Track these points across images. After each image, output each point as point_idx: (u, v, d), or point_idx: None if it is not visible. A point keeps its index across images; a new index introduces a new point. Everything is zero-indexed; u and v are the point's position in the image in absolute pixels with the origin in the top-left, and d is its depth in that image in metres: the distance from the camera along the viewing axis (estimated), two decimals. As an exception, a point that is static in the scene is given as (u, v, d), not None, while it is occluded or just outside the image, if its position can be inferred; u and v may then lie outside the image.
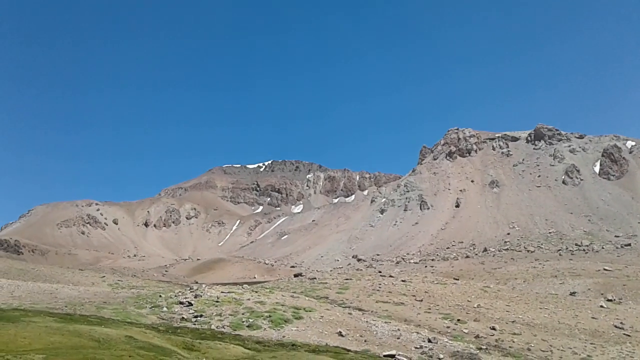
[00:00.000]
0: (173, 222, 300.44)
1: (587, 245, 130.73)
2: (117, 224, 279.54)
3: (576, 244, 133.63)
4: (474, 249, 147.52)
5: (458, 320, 41.37)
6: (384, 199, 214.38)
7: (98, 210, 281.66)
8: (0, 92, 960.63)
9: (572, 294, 66.23)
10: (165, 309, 37.67)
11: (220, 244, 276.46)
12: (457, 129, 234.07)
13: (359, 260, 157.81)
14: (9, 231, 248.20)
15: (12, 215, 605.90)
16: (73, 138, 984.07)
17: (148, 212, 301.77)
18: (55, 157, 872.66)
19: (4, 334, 16.81)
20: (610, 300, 55.51)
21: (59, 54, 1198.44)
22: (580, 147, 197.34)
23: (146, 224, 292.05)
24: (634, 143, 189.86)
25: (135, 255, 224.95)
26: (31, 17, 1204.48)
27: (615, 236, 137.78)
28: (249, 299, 40.40)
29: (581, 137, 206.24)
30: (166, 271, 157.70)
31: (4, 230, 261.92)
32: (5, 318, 21.89)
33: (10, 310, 28.90)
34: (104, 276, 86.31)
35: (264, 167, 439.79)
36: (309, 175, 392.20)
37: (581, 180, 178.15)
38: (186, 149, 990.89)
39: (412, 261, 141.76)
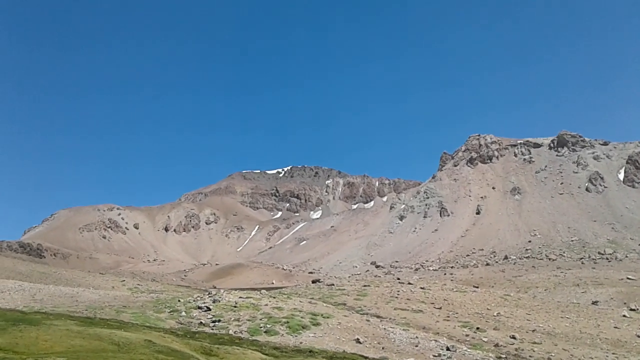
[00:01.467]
0: (193, 227, 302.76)
1: (610, 254, 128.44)
2: (137, 228, 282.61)
3: (599, 253, 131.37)
4: (494, 256, 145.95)
5: (477, 328, 40.94)
6: (403, 205, 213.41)
7: (119, 214, 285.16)
8: (25, 100, 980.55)
9: (595, 303, 65.11)
10: (183, 313, 37.91)
11: (239, 249, 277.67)
12: (479, 135, 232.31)
13: (377, 266, 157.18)
14: (32, 235, 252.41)
15: (35, 219, 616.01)
16: (96, 144, 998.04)
17: (168, 216, 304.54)
18: (78, 162, 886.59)
19: (25, 337, 17.07)
20: (634, 310, 54.47)
21: (78, 58, 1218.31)
22: (604, 153, 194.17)
23: (166, 229, 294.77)
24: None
25: (155, 260, 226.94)
26: (51, 24, 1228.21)
27: (639, 245, 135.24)
28: (266, 305, 40.46)
29: (605, 143, 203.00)
30: (185, 276, 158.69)
31: (27, 234, 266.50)
32: (27, 321, 22.23)
33: (32, 313, 29.34)
34: (123, 280, 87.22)
35: (283, 172, 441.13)
36: (328, 181, 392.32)
37: (605, 187, 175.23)
38: (206, 155, 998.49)
39: (431, 268, 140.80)
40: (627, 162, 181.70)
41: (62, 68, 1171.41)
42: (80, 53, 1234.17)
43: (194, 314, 37.72)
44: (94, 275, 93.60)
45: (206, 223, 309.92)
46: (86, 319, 28.72)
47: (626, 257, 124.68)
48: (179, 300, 43.89)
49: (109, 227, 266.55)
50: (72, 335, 18.54)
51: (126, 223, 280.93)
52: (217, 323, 34.87)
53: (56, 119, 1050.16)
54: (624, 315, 48.06)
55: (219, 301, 41.18)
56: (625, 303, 64.32)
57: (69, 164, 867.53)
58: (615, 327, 43.24)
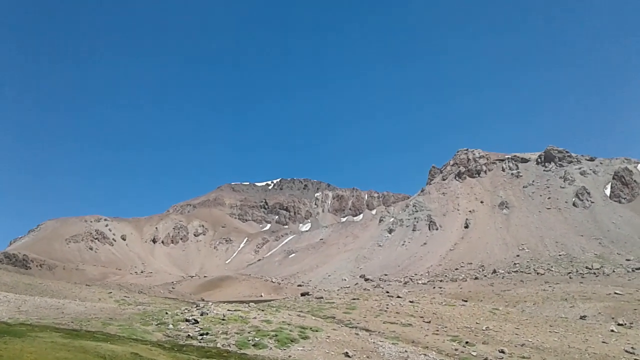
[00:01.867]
0: (181, 239, 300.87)
1: (597, 269, 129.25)
2: (125, 239, 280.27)
3: (587, 267, 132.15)
4: (483, 270, 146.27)
5: (466, 342, 40.84)
6: (392, 219, 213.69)
7: (107, 225, 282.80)
8: (12, 110, 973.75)
9: (583, 317, 65.29)
10: (171, 326, 37.50)
11: (227, 262, 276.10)
12: (467, 150, 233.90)
13: (366, 280, 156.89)
14: (17, 245, 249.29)
15: (21, 229, 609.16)
16: (83, 155, 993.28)
17: (156, 228, 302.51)
18: (65, 173, 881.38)
19: (10, 349, 16.80)
20: (621, 325, 54.63)
21: (70, 70, 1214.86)
22: (590, 169, 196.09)
23: (154, 240, 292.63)
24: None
25: (142, 272, 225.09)
26: (51, 34, 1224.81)
27: (627, 260, 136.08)
28: (255, 318, 40.15)
29: (592, 159, 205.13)
30: (173, 288, 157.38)
31: (13, 244, 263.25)
32: (12, 333, 21.88)
33: (17, 325, 28.89)
34: (110, 292, 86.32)
35: (272, 185, 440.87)
36: (317, 194, 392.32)
37: (592, 202, 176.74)
38: (195, 166, 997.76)
39: (420, 282, 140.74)
40: (613, 178, 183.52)
41: (51, 79, 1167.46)
42: (72, 63, 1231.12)
43: (182, 327, 37.31)
44: (81, 286, 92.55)
45: (194, 235, 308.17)
46: (72, 331, 28.32)
47: (613, 272, 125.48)
48: (166, 313, 43.43)
49: (96, 239, 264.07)
50: (57, 348, 18.28)
51: (113, 234, 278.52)
52: (204, 336, 34.51)
53: (44, 129, 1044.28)
54: (612, 330, 48.17)
55: (207, 314, 40.80)
56: (613, 318, 64.56)
57: (56, 174, 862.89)
58: (603, 342, 43.30)
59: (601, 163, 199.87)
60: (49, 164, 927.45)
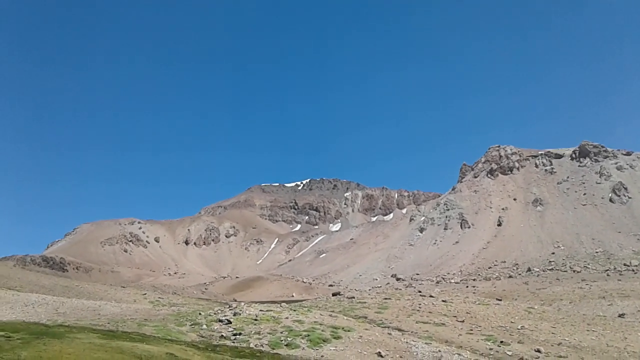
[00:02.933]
0: (212, 240, 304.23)
1: (636, 265, 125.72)
2: (158, 242, 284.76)
3: (625, 264, 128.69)
4: (517, 268, 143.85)
5: (501, 342, 40.22)
6: (423, 218, 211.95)
7: (140, 228, 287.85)
8: (47, 117, 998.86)
9: (621, 315, 63.65)
10: (204, 326, 37.90)
11: (258, 262, 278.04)
12: (499, 147, 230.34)
13: (398, 279, 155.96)
14: (54, 249, 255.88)
15: (58, 233, 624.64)
16: (118, 160, 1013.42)
17: (188, 230, 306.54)
18: (100, 178, 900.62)
19: (49, 350, 17.18)
20: (663, 323, 53.10)
21: (106, 76, 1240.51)
22: (627, 164, 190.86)
23: (186, 242, 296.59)
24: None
25: (175, 273, 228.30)
26: (74, 41, 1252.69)
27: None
28: (287, 318, 40.29)
29: (628, 153, 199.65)
30: (206, 289, 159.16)
31: (50, 248, 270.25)
32: (50, 334, 22.40)
33: (56, 326, 29.58)
34: (145, 293, 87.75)
35: (302, 185, 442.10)
36: (347, 194, 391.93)
37: (629, 198, 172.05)
38: (226, 169, 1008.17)
39: (452, 281, 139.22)
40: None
41: (80, 84, 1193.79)
42: (112, 71, 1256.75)
43: (215, 327, 37.68)
44: (116, 288, 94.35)
45: (226, 236, 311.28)
46: (108, 332, 28.86)
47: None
48: (200, 314, 43.94)
49: (130, 241, 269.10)
50: (94, 349, 18.62)
51: (147, 237, 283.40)
52: (238, 336, 34.77)
53: (78, 135, 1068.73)
54: (653, 329, 46.88)
55: (240, 314, 41.13)
56: (653, 316, 62.81)
57: (91, 179, 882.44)
58: (643, 341, 42.17)
59: (638, 157, 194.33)
60: (84, 170, 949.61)
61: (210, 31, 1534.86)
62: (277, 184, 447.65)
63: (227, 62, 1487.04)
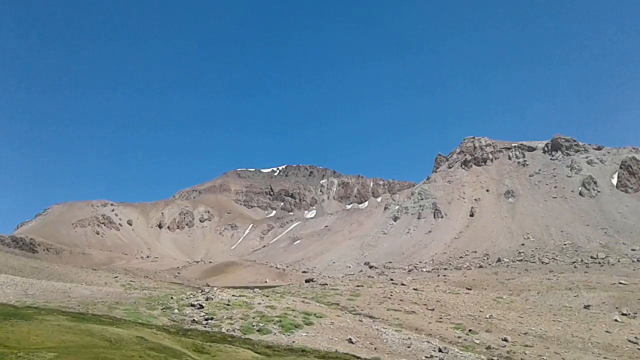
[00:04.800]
0: (186, 225, 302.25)
1: (602, 258, 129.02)
2: (131, 224, 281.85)
3: (592, 257, 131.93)
4: (487, 259, 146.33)
5: (470, 330, 41.02)
6: (397, 206, 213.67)
7: (113, 210, 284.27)
8: (18, 94, 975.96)
9: (587, 307, 65.38)
10: (176, 310, 37.81)
11: (232, 248, 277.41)
12: (473, 138, 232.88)
13: (371, 267, 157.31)
14: (24, 229, 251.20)
15: (28, 214, 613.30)
16: (90, 138, 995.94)
17: (162, 213, 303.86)
18: (72, 157, 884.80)
19: (17, 332, 16.97)
20: (625, 315, 54.72)
21: (76, 54, 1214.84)
22: (597, 158, 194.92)
23: (160, 226, 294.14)
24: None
25: (148, 257, 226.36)
26: (50, 18, 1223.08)
27: (632, 249, 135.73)
28: (259, 303, 40.41)
29: (599, 148, 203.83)
30: (178, 273, 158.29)
31: (20, 228, 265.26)
32: (18, 315, 22.12)
33: (24, 308, 29.20)
34: (116, 276, 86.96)
35: (278, 171, 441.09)
36: (323, 181, 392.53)
37: (598, 192, 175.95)
38: (201, 152, 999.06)
39: (424, 270, 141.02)
40: (620, 167, 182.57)
41: (57, 64, 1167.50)
42: (79, 49, 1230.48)
43: (187, 312, 37.62)
44: (87, 271, 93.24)
45: (200, 221, 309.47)
46: (78, 314, 28.60)
47: (618, 261, 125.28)
48: (171, 298, 43.78)
49: (102, 223, 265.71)
50: (63, 331, 18.45)
51: (120, 219, 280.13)
52: (209, 321, 34.79)
53: (51, 113, 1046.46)
54: (616, 320, 48.24)
55: (212, 299, 41.10)
56: (617, 307, 64.64)
57: (63, 159, 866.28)
58: (606, 332, 43.40)
59: (608, 152, 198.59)
60: (56, 148, 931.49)
61: (191, 10, 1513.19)
62: (253, 170, 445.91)
63: (208, 44, 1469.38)
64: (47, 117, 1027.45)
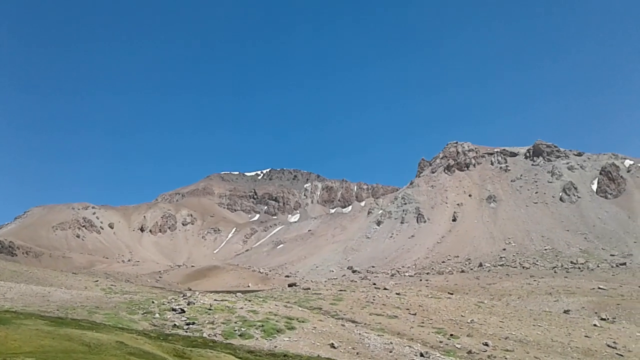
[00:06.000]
0: (169, 228, 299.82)
1: (582, 264, 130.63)
2: (112, 228, 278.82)
3: (572, 262, 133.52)
4: (469, 263, 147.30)
5: (451, 335, 41.25)
6: (380, 211, 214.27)
7: (94, 213, 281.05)
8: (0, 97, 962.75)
9: (566, 311, 66.07)
10: (157, 315, 37.50)
11: (215, 251, 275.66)
12: (456, 143, 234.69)
13: (354, 271, 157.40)
14: (3, 232, 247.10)
15: (7, 216, 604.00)
16: (72, 140, 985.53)
17: (144, 217, 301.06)
18: (53, 159, 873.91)
19: (-6, 336, 16.73)
20: (604, 319, 55.43)
21: (56, 57, 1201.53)
22: (578, 164, 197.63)
23: (142, 229, 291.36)
24: (631, 162, 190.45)
25: (129, 260, 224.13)
26: (27, 18, 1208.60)
27: (611, 255, 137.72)
28: (242, 308, 40.24)
29: (579, 154, 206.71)
30: (160, 277, 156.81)
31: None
32: (-4, 320, 21.78)
33: (2, 312, 28.75)
34: (97, 280, 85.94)
35: (262, 175, 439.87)
36: (307, 185, 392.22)
37: (578, 197, 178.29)
38: (184, 155, 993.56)
39: (407, 274, 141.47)
40: (600, 173, 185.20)
41: (38, 65, 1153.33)
42: (57, 50, 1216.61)
43: (168, 316, 37.34)
44: (67, 274, 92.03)
45: (182, 224, 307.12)
46: (57, 319, 28.24)
47: (598, 267, 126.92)
48: (152, 302, 43.41)
49: (83, 226, 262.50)
50: (42, 335, 18.22)
51: (101, 222, 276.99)
52: (191, 326, 34.57)
53: (32, 116, 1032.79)
54: (595, 325, 48.84)
55: (194, 303, 40.84)
56: (596, 312, 65.41)
57: (43, 161, 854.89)
58: (586, 336, 43.91)
59: (589, 158, 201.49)
60: (37, 150, 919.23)
61: (177, 11, 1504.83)
62: (237, 173, 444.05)
63: (188, 39, 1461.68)
64: (26, 119, 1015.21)
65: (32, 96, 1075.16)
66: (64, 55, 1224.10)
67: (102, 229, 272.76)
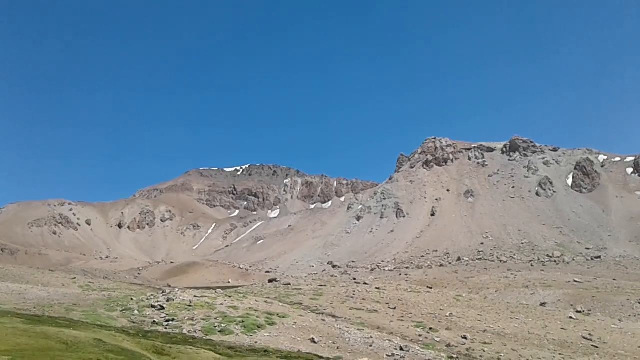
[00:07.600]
0: (147, 224, 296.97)
1: (558, 257, 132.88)
2: (90, 224, 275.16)
3: (548, 255, 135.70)
4: (448, 257, 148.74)
5: (430, 328, 41.66)
6: (360, 206, 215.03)
7: (71, 210, 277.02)
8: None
9: (543, 304, 67.15)
10: (136, 312, 37.20)
11: (194, 248, 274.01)
12: (435, 138, 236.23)
13: (334, 266, 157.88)
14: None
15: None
16: (48, 136, 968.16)
17: (122, 213, 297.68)
18: (28, 155, 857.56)
19: (-32, 335, 16.44)
20: (580, 312, 56.45)
21: (41, 53, 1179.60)
22: (554, 159, 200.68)
23: (120, 226, 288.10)
24: (605, 157, 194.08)
25: (107, 257, 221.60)
26: (17, 14, 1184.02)
27: (586, 248, 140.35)
28: (222, 304, 40.12)
29: (555, 149, 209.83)
30: (139, 274, 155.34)
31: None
32: (-30, 319, 21.41)
33: (-24, 310, 28.24)
34: (74, 277, 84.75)
35: (241, 170, 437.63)
36: (287, 180, 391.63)
37: (554, 192, 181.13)
38: (163, 150, 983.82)
39: (386, 269, 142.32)
40: (575, 168, 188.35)
41: (20, 60, 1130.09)
42: (42, 46, 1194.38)
43: (147, 313, 37.06)
44: (43, 272, 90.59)
45: (161, 220, 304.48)
46: (34, 317, 27.83)
47: (573, 260, 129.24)
48: (131, 299, 43.05)
49: (59, 223, 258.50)
50: (17, 334, 17.97)
51: (78, 219, 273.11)
52: (170, 322, 34.37)
53: (8, 110, 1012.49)
54: (571, 317, 49.71)
55: (173, 300, 40.60)
56: (571, 305, 66.57)
57: (19, 156, 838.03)
58: (562, 329, 44.68)
59: (564, 153, 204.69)
60: (11, 145, 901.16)
61: (158, 7, 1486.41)
62: (216, 169, 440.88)
63: (172, 41, 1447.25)
64: (3, 113, 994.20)
65: (9, 91, 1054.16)
66: (39, 50, 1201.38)
67: (79, 225, 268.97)
